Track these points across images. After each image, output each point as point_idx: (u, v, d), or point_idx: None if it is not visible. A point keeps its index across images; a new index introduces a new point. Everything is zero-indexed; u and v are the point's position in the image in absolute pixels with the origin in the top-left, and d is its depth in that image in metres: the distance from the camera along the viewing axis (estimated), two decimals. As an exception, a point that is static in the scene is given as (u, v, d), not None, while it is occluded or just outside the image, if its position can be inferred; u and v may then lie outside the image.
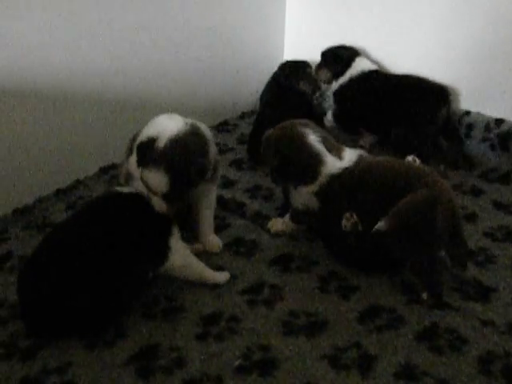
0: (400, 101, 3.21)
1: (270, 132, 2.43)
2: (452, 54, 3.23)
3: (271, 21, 3.79)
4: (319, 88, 3.52)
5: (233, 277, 2.29)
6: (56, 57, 2.72)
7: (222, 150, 3.40)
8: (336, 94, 3.49)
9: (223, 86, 3.67)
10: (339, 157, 2.32)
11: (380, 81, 3.36)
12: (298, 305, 2.14)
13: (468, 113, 3.24)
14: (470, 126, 3.21)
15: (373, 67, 3.43)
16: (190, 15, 3.31)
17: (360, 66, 3.42)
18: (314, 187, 2.33)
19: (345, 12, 3.63)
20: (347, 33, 3.60)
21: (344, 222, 2.23)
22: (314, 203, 2.38)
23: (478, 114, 3.22)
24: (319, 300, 2.17)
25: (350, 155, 2.33)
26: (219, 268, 2.33)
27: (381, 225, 2.05)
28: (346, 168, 2.29)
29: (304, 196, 2.38)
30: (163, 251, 2.11)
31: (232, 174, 3.13)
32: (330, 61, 3.49)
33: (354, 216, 2.22)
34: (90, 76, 2.87)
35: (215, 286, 2.24)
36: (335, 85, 3.51)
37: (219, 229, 2.58)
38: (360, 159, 2.32)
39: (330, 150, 2.32)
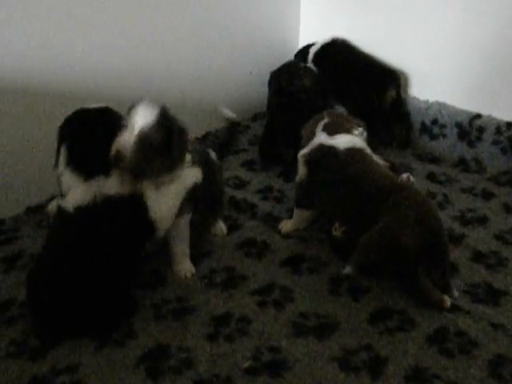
0: (355, 77, 3.42)
1: None
2: (463, 57, 3.22)
3: (285, 21, 3.78)
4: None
5: (244, 277, 2.30)
6: (71, 57, 2.75)
7: (235, 150, 3.41)
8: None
9: (236, 87, 3.67)
10: (331, 135, 2.45)
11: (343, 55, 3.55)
12: (309, 306, 2.14)
13: (479, 116, 3.22)
14: (481, 129, 3.19)
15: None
16: (203, 16, 3.31)
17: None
18: (304, 151, 2.49)
19: (361, 11, 3.63)
20: (363, 35, 3.61)
21: (333, 231, 2.31)
22: (303, 171, 2.50)
23: (489, 116, 3.21)
24: (330, 301, 2.16)
25: (342, 139, 2.43)
26: (230, 269, 2.35)
27: (347, 270, 2.23)
28: (333, 146, 2.41)
29: (300, 161, 2.51)
30: (149, 227, 2.09)
31: (244, 175, 3.13)
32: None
33: (343, 227, 2.28)
34: (104, 76, 2.88)
35: (227, 287, 2.25)
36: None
37: (231, 229, 2.59)
38: (352, 148, 2.40)
39: (326, 130, 2.49)
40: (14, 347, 1.98)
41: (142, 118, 1.94)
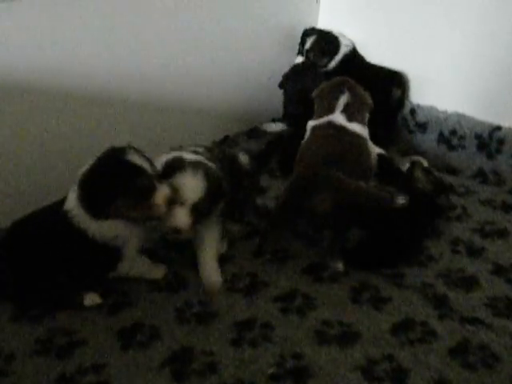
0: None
1: None
2: (484, 67, 3.23)
3: (303, 28, 3.79)
4: None
5: (265, 284, 2.32)
6: (101, 63, 2.77)
7: (254, 155, 3.41)
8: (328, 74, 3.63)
9: (255, 92, 3.68)
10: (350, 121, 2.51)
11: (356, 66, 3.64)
12: (331, 314, 2.16)
13: (499, 128, 3.23)
14: (501, 141, 3.20)
15: (349, 46, 3.69)
16: (223, 22, 3.32)
17: (343, 50, 3.66)
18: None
19: (380, 21, 3.64)
20: (381, 45, 3.64)
21: None
22: None
23: (510, 128, 3.21)
24: (351, 310, 2.18)
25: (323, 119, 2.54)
26: (252, 275, 2.37)
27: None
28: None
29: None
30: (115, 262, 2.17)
31: (264, 180, 3.10)
32: (328, 50, 3.66)
33: None
34: (127, 82, 2.90)
35: (249, 292, 2.27)
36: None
37: (251, 236, 2.61)
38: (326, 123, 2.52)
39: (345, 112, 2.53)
40: (40, 345, 2.01)
41: (192, 193, 2.10)
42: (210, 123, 3.50)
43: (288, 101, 3.49)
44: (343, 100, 2.52)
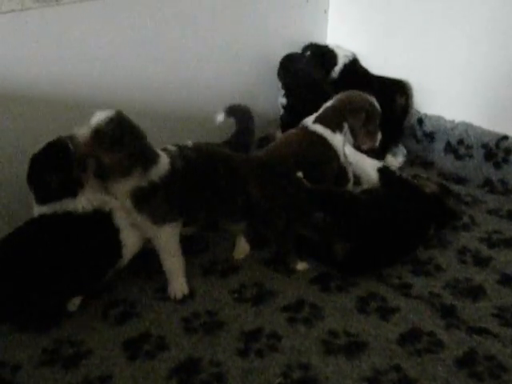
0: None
1: None
2: (491, 77, 3.23)
3: (313, 38, 3.80)
4: None
5: (273, 294, 2.31)
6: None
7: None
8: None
9: (264, 101, 3.68)
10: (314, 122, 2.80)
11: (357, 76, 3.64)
12: (338, 324, 2.15)
13: (506, 137, 3.21)
14: (508, 151, 3.19)
15: (349, 57, 3.67)
16: (229, 34, 3.34)
17: (341, 61, 3.64)
18: None
19: (388, 32, 3.64)
20: (388, 55, 3.65)
21: None
22: None
23: (517, 138, 3.21)
24: (358, 320, 2.17)
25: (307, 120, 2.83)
26: (259, 285, 2.37)
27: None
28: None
29: None
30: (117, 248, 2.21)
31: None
32: (325, 64, 3.64)
33: None
34: (135, 89, 2.91)
35: (256, 302, 2.27)
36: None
37: (259, 245, 2.60)
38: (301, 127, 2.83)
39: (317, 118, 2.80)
40: (46, 356, 2.01)
41: (96, 117, 2.08)
42: (213, 131, 3.50)
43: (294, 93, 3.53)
44: (324, 106, 2.81)
